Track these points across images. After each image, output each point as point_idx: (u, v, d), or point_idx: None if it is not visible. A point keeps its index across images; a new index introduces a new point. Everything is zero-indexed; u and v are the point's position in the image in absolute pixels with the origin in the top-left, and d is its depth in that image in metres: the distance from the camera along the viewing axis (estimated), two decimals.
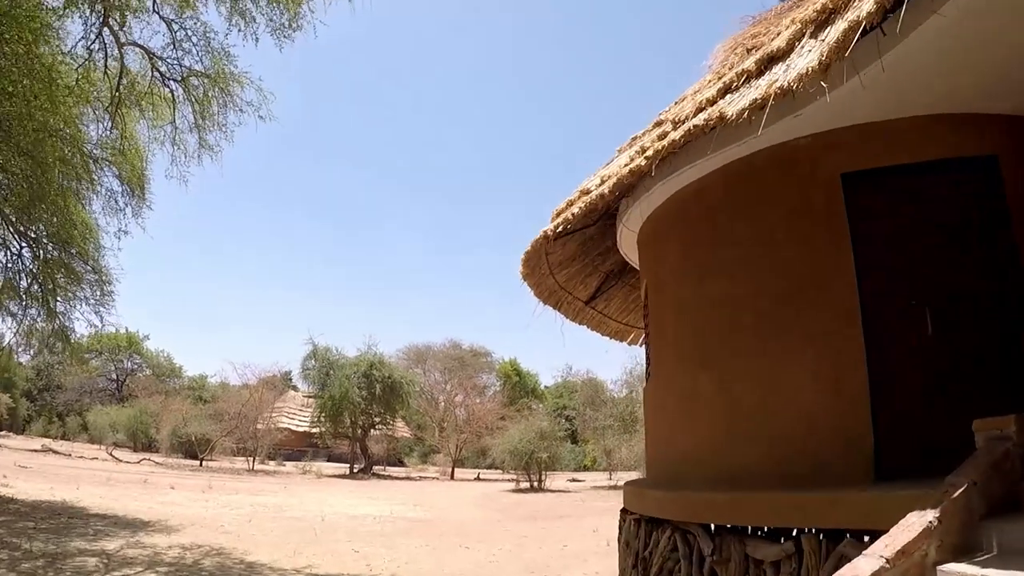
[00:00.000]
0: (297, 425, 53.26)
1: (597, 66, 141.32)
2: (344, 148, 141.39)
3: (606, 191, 7.05)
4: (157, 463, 37.68)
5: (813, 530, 5.36)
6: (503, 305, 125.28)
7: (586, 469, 51.77)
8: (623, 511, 8.67)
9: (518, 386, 63.26)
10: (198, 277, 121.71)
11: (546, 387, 69.56)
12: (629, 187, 7.22)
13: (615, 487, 32.71)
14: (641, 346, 13.01)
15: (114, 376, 67.91)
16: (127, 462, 36.31)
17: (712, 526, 6.41)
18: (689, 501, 6.69)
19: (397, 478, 42.19)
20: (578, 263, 10.08)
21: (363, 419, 42.88)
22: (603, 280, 10.95)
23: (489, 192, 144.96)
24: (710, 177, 7.30)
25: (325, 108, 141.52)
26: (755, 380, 6.67)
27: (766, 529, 5.95)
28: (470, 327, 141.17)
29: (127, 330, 66.31)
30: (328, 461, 49.64)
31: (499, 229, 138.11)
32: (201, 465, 39.22)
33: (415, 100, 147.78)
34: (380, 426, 44.92)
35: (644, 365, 10.48)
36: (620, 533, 8.76)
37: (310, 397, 45.76)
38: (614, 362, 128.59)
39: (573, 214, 7.44)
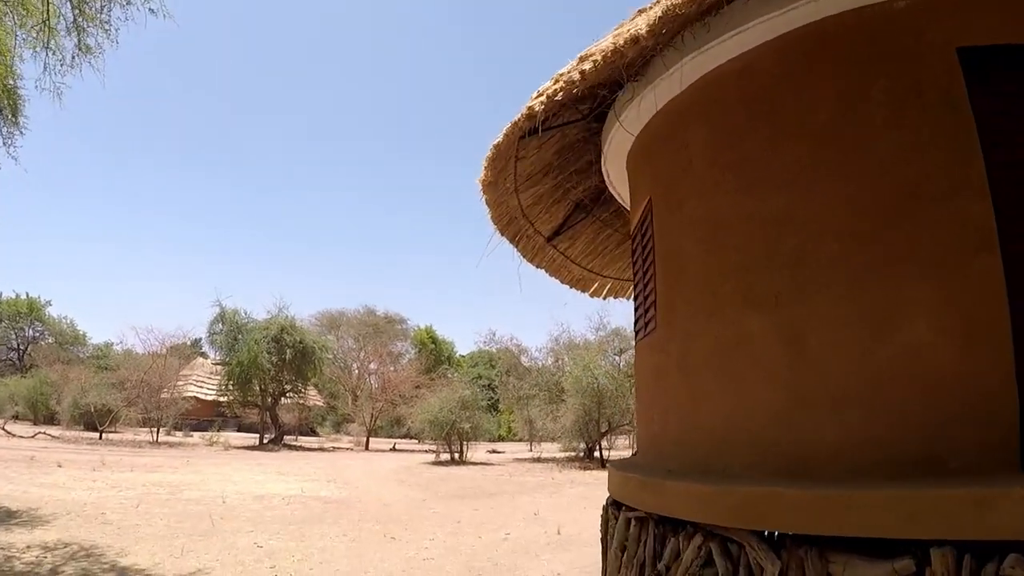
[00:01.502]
0: (205, 394, 50.15)
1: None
2: (256, 99, 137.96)
3: (642, 30, 4.62)
4: (53, 437, 34.33)
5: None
6: (421, 272, 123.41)
7: (501, 439, 50.11)
8: (612, 504, 6.40)
9: (433, 354, 60.95)
10: (100, 237, 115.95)
11: (461, 356, 67.80)
12: (683, 24, 4.87)
13: (539, 459, 30.98)
14: (606, 299, 10.88)
15: (15, 345, 64.08)
16: (20, 436, 33.14)
17: (772, 534, 4.26)
18: (738, 499, 4.37)
19: (309, 449, 39.35)
20: (549, 180, 7.79)
21: (273, 386, 39.96)
22: (570, 212, 8.73)
23: (411, 154, 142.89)
24: (759, 52, 5.02)
25: (235, 49, 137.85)
26: (841, 327, 4.41)
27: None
28: (386, 294, 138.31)
29: (28, 295, 62.67)
30: (238, 431, 46.98)
31: (420, 193, 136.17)
32: (101, 438, 36.04)
33: (335, 55, 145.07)
34: (291, 394, 42.09)
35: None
36: (606, 532, 6.53)
37: (219, 364, 42.42)
38: (540, 329, 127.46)
39: (584, 71, 5.00)
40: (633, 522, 5.64)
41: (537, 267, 9.42)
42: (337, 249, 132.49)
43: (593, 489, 19.49)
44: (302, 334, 39.73)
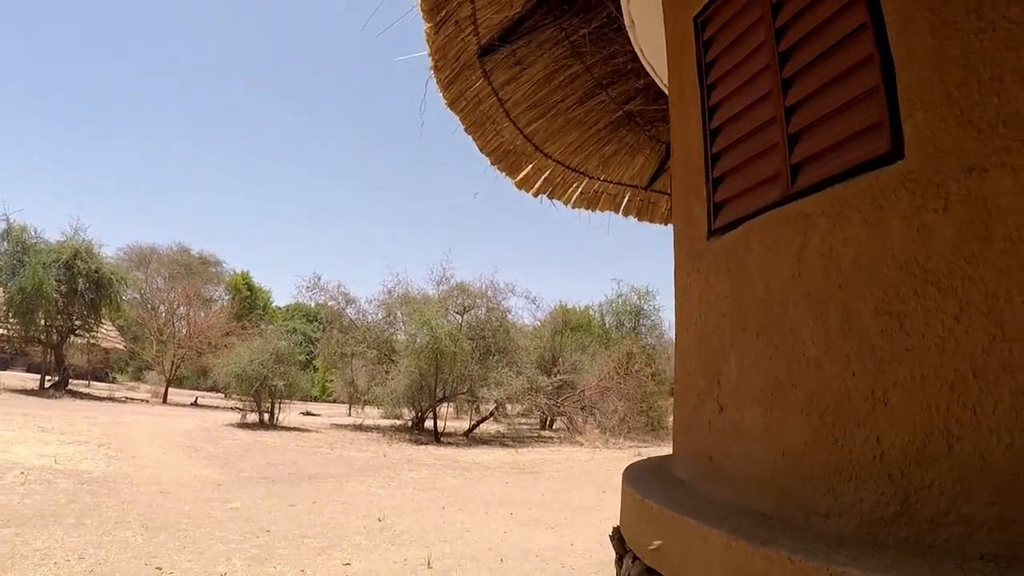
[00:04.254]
0: None
1: None
2: None
3: None
4: None
5: None
6: (242, 212, 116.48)
7: (315, 400, 45.55)
8: None
9: (248, 301, 55.33)
10: None
11: (277, 307, 62.61)
12: None
13: (361, 427, 26.34)
14: (538, 196, 6.72)
15: None
16: None
17: None
18: None
19: (98, 398, 33.00)
20: None
21: (60, 321, 33.20)
22: (533, 4, 4.62)
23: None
24: None
25: None
26: None
27: None
28: (204, 234, 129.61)
29: None
30: (28, 371, 40.30)
31: (247, 127, 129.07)
32: None
33: None
34: (81, 331, 35.34)
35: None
36: None
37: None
38: (372, 280, 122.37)
39: None
40: None
41: (450, 104, 5.23)
42: (156, 181, 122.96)
43: (438, 474, 15.26)
44: (99, 262, 32.85)
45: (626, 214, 7.26)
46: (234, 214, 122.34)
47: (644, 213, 7.38)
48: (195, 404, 35.47)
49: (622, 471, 3.52)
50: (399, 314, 27.77)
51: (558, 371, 28.21)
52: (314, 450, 18.56)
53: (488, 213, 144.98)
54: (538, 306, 36.62)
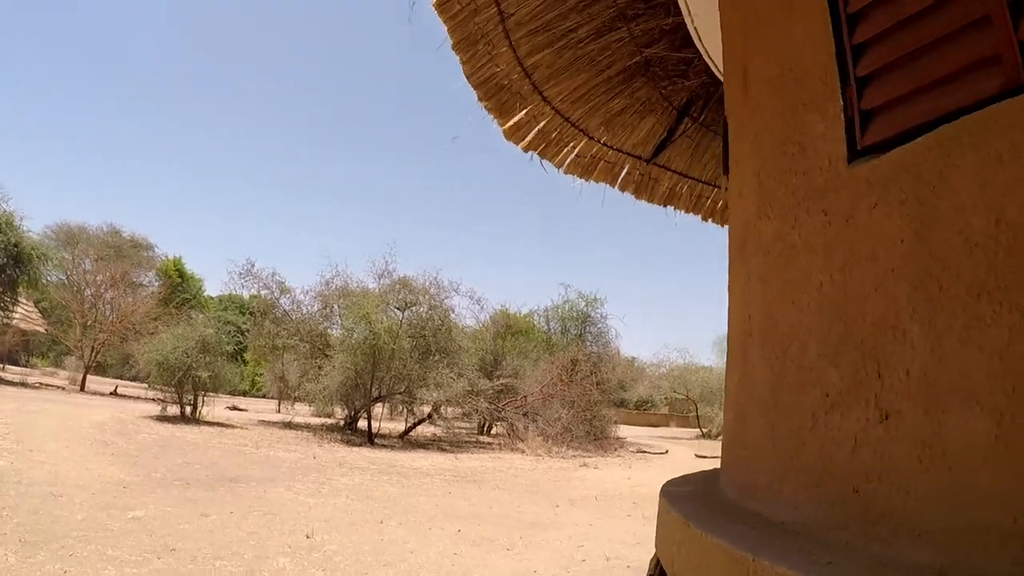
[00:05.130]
0: None
1: None
2: None
3: None
4: None
5: None
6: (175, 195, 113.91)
7: (244, 394, 43.89)
8: None
9: (179, 289, 53.14)
10: None
11: (210, 296, 60.53)
12: None
13: (290, 425, 25.07)
14: (528, 151, 5.65)
15: None
16: None
17: None
18: None
19: (9, 383, 30.72)
20: None
21: None
22: None
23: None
24: None
25: None
26: None
27: None
28: (135, 215, 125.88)
29: None
30: None
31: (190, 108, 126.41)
32: None
33: None
34: None
35: None
36: None
37: None
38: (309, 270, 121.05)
39: None
40: None
41: (439, 4, 4.17)
42: (90, 159, 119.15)
43: (374, 480, 14.02)
44: (19, 236, 30.48)
45: (623, 189, 6.24)
46: (170, 198, 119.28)
47: (643, 190, 6.36)
48: (115, 393, 33.75)
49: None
50: (336, 307, 26.43)
51: (500, 375, 27.27)
52: (238, 449, 17.17)
53: (437, 206, 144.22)
54: (482, 307, 35.35)
